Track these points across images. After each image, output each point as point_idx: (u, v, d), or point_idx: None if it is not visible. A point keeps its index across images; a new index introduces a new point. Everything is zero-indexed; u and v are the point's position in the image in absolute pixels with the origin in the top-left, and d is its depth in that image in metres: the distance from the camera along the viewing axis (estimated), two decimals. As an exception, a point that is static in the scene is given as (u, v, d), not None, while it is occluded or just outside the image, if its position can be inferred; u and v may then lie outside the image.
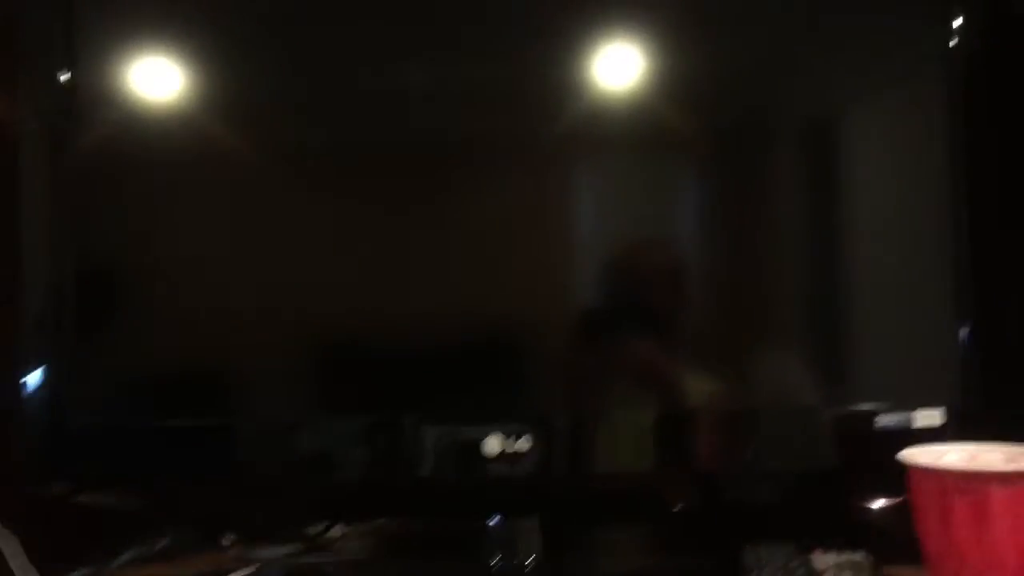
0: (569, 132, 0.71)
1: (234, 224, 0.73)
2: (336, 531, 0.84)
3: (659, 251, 0.72)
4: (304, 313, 0.72)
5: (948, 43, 0.71)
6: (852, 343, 0.71)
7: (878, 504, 0.73)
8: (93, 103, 0.72)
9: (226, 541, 0.80)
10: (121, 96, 0.72)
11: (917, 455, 0.58)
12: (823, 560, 0.65)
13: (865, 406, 0.68)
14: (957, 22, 0.71)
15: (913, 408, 0.68)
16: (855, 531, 0.70)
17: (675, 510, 0.76)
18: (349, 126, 0.73)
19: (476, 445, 0.68)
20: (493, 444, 0.68)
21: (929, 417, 0.67)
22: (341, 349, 0.73)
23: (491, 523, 0.72)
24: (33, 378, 0.71)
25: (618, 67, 0.72)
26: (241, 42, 0.74)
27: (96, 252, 0.73)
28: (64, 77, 0.71)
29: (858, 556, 0.66)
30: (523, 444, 0.68)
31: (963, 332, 0.69)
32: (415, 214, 0.72)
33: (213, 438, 0.72)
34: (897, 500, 0.71)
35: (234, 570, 0.73)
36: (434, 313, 0.71)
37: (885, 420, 0.67)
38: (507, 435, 0.68)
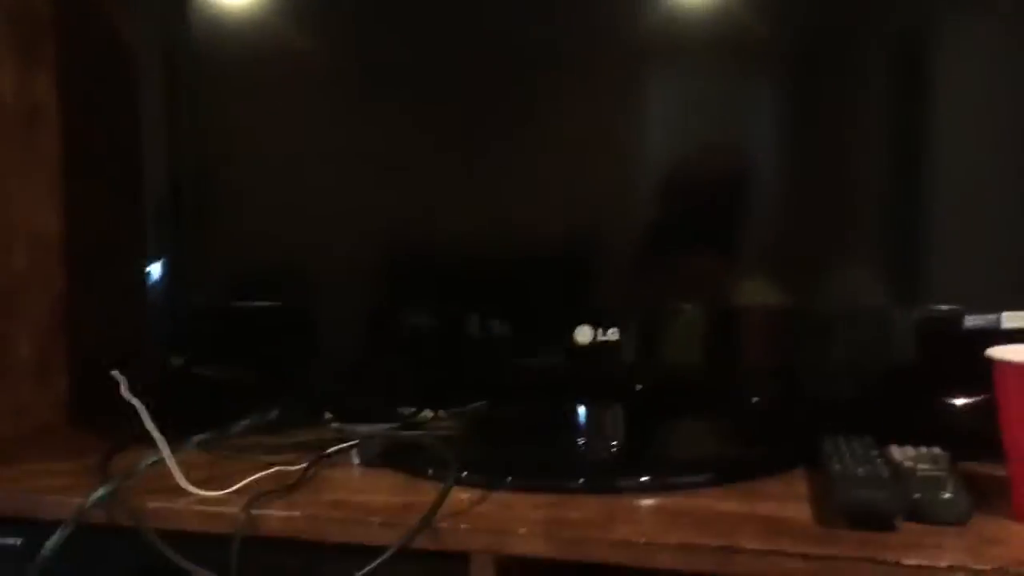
0: (646, 37, 0.71)
1: (321, 128, 0.76)
2: (427, 414, 0.89)
3: (733, 158, 0.73)
4: (397, 213, 0.75)
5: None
6: (940, 246, 0.71)
7: (960, 402, 0.74)
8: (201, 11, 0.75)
9: (327, 417, 0.86)
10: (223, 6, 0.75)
11: (1005, 351, 0.60)
12: (901, 452, 0.67)
13: (952, 307, 0.69)
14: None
15: (1001, 310, 0.68)
16: (936, 428, 0.72)
17: (754, 402, 0.79)
18: (425, 31, 0.74)
19: (567, 335, 0.72)
20: (584, 334, 0.71)
21: (1017, 319, 0.68)
22: (431, 248, 0.76)
23: (578, 409, 0.76)
24: (155, 265, 0.77)
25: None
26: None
27: (205, 153, 0.77)
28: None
29: (936, 450, 0.68)
30: (612, 334, 0.71)
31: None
32: (491, 120, 0.74)
33: (307, 322, 0.77)
34: (979, 398, 0.73)
35: (336, 443, 0.78)
36: (512, 217, 0.74)
37: (972, 321, 0.68)
38: (596, 326, 0.71)
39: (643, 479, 0.68)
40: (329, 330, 0.79)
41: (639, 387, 0.75)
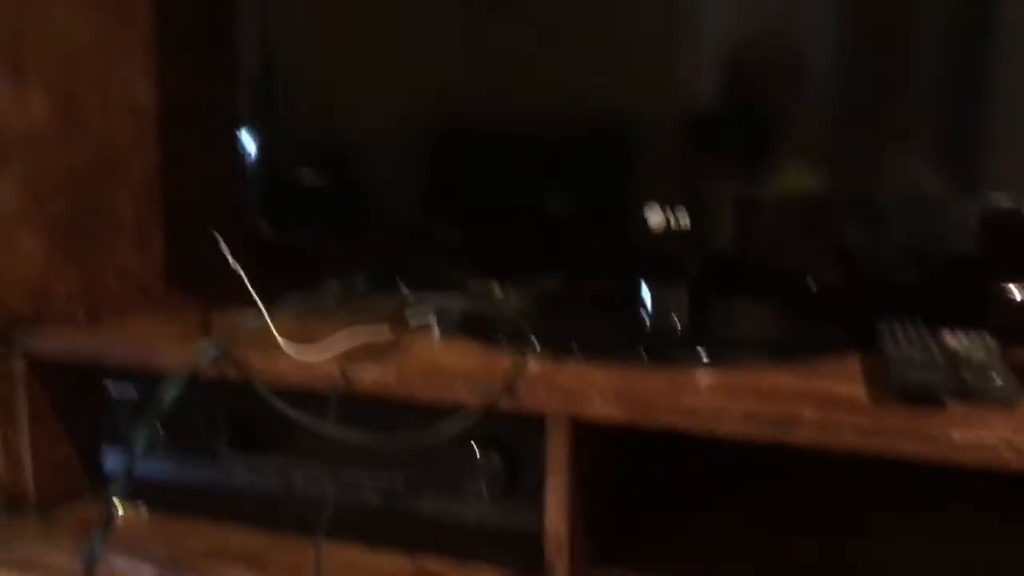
0: None
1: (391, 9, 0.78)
2: (496, 288, 0.94)
3: (783, 43, 0.74)
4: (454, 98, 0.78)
5: None
6: (999, 134, 0.72)
7: (1017, 289, 0.77)
8: None
9: (404, 289, 0.92)
10: None
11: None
12: (954, 339, 0.70)
13: (1011, 194, 0.71)
14: None
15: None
16: (990, 315, 0.75)
17: (813, 286, 0.82)
18: None
19: (637, 215, 0.75)
20: (655, 213, 0.74)
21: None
22: (501, 124, 0.79)
23: (645, 287, 0.80)
24: (247, 140, 0.81)
25: None
26: None
27: (293, 29, 0.80)
28: None
29: (988, 338, 0.71)
30: (680, 215, 0.74)
31: None
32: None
33: (385, 194, 0.81)
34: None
35: (414, 311, 0.83)
36: (559, 88, 0.76)
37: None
38: (664, 207, 0.74)
39: (703, 354, 0.72)
40: (404, 202, 0.83)
41: (699, 266, 0.78)
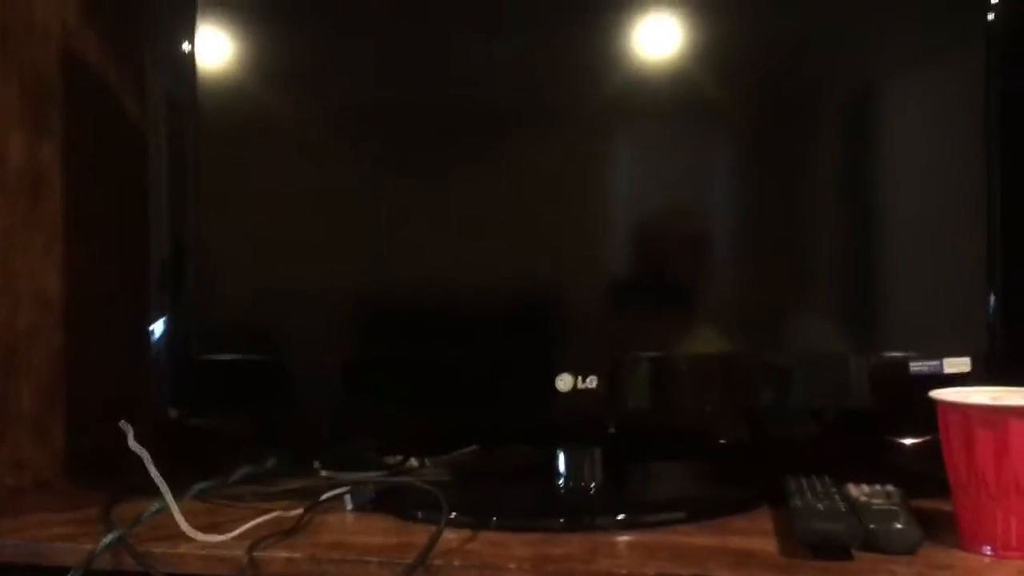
0: (609, 100, 0.78)
1: (302, 189, 0.82)
2: (413, 462, 0.94)
3: (690, 219, 0.80)
4: (369, 271, 0.81)
5: (987, 16, 0.76)
6: (886, 297, 0.78)
7: (910, 442, 0.80)
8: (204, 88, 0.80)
9: (317, 466, 0.90)
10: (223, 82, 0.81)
11: (947, 394, 0.66)
12: (857, 490, 0.73)
13: (899, 354, 0.76)
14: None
15: (943, 357, 0.75)
16: (888, 466, 0.78)
17: (723, 443, 0.85)
18: (396, 90, 0.80)
19: (546, 383, 0.77)
20: (565, 381, 0.76)
21: (958, 365, 0.74)
22: (413, 301, 0.81)
23: (558, 452, 0.80)
24: (158, 326, 0.81)
25: (658, 37, 0.78)
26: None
27: (201, 222, 0.82)
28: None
29: (889, 488, 0.73)
30: (590, 382, 0.76)
31: (991, 288, 0.76)
32: (460, 179, 0.80)
33: (295, 375, 0.82)
34: (926, 438, 0.79)
35: (327, 490, 0.81)
36: (478, 270, 0.79)
37: (917, 367, 0.75)
38: (576, 375, 0.76)
39: (621, 517, 0.72)
40: (316, 384, 0.83)
41: (612, 431, 0.80)
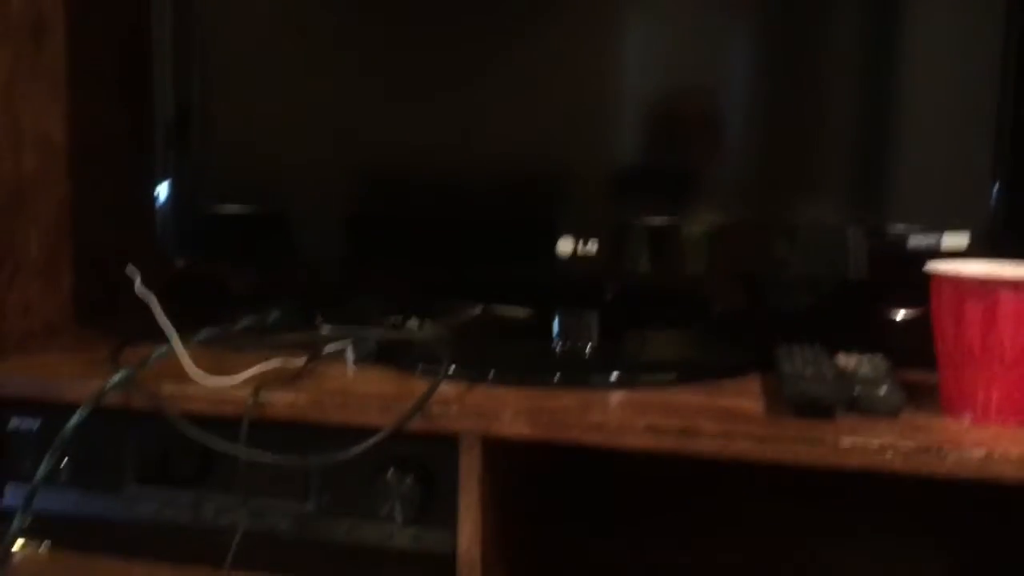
0: None
1: (313, 51, 0.81)
2: (413, 321, 0.95)
3: (695, 89, 0.78)
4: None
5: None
6: (889, 170, 0.77)
7: (901, 314, 0.82)
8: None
9: (319, 321, 0.92)
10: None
11: (940, 266, 0.67)
12: (846, 359, 0.74)
13: (899, 226, 0.76)
14: None
15: (942, 231, 0.75)
16: (879, 338, 0.79)
17: (718, 312, 0.86)
18: None
19: (547, 246, 0.78)
20: (566, 245, 0.77)
21: (956, 239, 0.75)
22: (421, 167, 0.81)
23: (556, 314, 0.82)
24: (167, 175, 0.81)
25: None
26: None
27: (207, 74, 0.81)
28: None
29: (877, 358, 0.75)
30: (591, 246, 0.77)
31: (995, 163, 0.75)
32: (468, 39, 0.79)
33: (300, 230, 0.82)
34: (918, 310, 0.80)
35: (330, 344, 0.83)
36: (486, 134, 0.79)
37: (915, 240, 0.75)
38: (577, 239, 0.77)
39: (614, 375, 0.75)
40: (320, 239, 0.84)
41: (610, 297, 0.81)
